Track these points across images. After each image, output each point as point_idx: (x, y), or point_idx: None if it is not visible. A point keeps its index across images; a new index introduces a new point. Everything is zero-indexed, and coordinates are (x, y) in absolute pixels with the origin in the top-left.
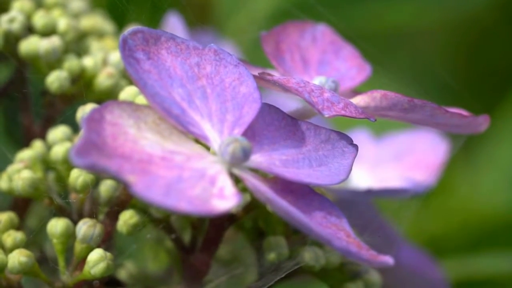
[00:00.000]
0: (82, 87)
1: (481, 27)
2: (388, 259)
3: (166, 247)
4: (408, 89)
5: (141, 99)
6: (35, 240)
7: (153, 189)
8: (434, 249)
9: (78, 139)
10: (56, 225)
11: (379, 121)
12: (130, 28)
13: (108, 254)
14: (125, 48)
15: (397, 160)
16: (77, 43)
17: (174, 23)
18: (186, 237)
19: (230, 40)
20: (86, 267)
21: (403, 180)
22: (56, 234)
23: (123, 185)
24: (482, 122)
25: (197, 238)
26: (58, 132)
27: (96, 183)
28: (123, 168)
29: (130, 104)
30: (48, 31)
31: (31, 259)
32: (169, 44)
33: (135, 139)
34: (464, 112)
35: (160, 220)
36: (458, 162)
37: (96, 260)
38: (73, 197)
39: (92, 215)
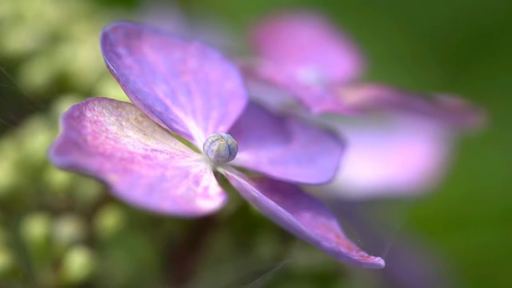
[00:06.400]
0: (61, 83)
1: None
2: (379, 261)
3: (152, 247)
4: (405, 79)
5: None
6: (14, 240)
7: (135, 189)
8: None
9: (57, 137)
10: (35, 225)
11: (368, 117)
12: (111, 23)
13: (90, 255)
14: (106, 43)
15: (386, 159)
16: (55, 40)
17: (166, 11)
18: (173, 237)
19: (230, 24)
20: (66, 268)
21: (390, 179)
22: (35, 234)
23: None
24: (476, 114)
25: (184, 238)
26: (37, 131)
27: (77, 181)
28: (104, 168)
29: (112, 100)
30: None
31: (9, 260)
32: (152, 39)
33: (117, 137)
34: (459, 102)
35: (146, 220)
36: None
37: (77, 261)
38: (53, 196)
39: (73, 214)
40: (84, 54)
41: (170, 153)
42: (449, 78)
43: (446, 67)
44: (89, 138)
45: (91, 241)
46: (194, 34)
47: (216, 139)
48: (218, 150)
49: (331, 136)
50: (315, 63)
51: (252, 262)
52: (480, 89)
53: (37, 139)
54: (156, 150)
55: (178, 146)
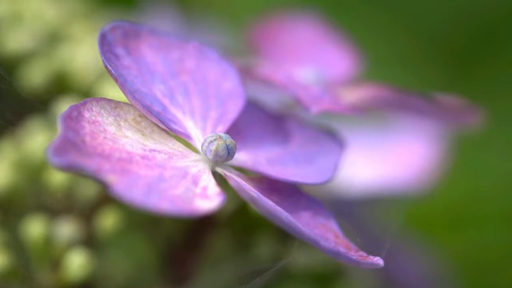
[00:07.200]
0: (59, 84)
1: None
2: (378, 260)
3: (151, 248)
4: (407, 78)
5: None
6: (13, 241)
7: (133, 189)
8: None
9: (55, 137)
10: (34, 226)
11: (367, 117)
12: (109, 23)
13: (88, 255)
14: (104, 44)
15: (385, 159)
16: (53, 40)
17: (164, 11)
18: (172, 237)
19: (228, 24)
20: (65, 269)
21: (389, 178)
22: (34, 234)
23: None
24: (475, 113)
25: (183, 238)
26: (35, 131)
27: (75, 182)
28: (103, 168)
29: (110, 101)
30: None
31: (8, 260)
32: (150, 39)
33: (115, 137)
34: (458, 101)
35: (144, 220)
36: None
37: (75, 261)
38: (52, 196)
39: (71, 215)
40: (82, 54)
41: (169, 153)
42: (451, 77)
43: (448, 66)
44: (87, 138)
45: (89, 241)
46: (192, 34)
47: (215, 139)
48: (216, 150)
49: (329, 136)
50: (313, 63)
51: (251, 262)
52: (482, 88)
53: (36, 140)
54: (154, 150)
55: (176, 146)
